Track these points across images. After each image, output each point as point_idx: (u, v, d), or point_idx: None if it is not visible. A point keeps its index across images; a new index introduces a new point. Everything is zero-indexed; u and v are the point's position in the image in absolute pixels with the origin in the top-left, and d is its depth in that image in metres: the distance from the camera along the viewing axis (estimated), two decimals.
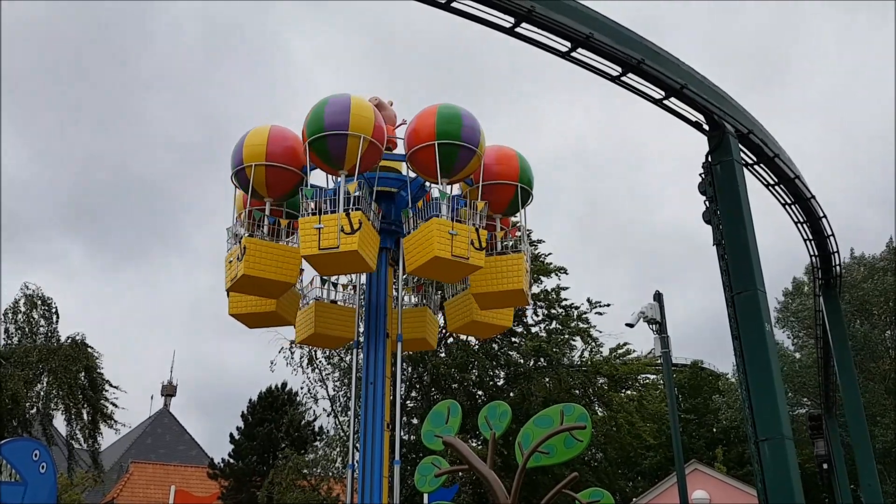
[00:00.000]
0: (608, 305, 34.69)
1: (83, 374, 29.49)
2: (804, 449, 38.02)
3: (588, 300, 34.70)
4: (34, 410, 28.83)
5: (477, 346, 33.34)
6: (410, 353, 30.32)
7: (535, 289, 33.56)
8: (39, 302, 30.12)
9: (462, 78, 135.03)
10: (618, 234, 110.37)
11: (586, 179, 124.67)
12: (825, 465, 32.46)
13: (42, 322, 30.14)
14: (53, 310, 30.43)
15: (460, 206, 15.04)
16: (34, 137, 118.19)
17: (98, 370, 30.10)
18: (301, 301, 17.52)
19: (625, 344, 36.44)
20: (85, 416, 29.56)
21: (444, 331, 32.22)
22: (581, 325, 34.30)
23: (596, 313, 34.54)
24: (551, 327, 34.50)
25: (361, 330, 17.32)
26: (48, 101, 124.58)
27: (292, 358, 33.79)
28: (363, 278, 17.44)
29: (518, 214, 16.86)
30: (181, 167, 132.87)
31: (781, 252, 51.78)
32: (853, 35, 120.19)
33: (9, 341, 29.18)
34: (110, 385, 30.34)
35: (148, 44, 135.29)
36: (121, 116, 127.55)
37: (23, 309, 29.82)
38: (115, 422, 30.46)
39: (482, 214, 15.13)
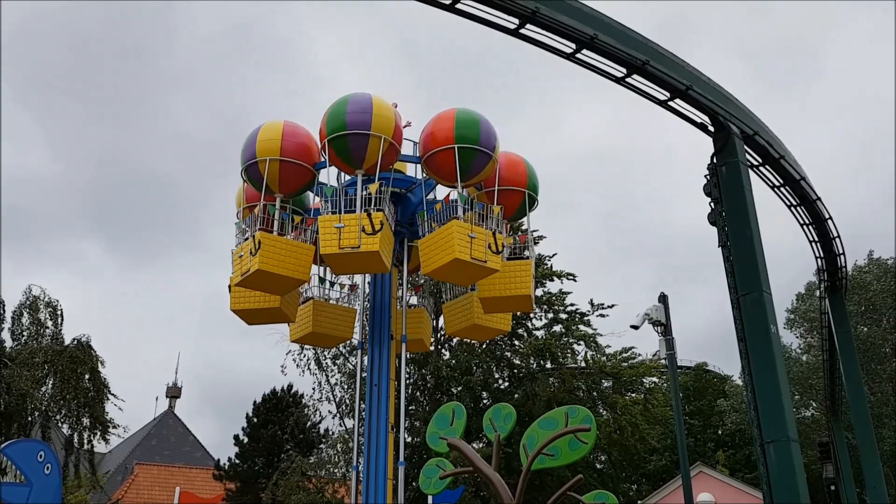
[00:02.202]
0: (612, 307, 34.45)
1: (88, 375, 29.44)
2: (810, 451, 37.87)
3: (590, 302, 34.52)
4: (37, 413, 28.77)
5: (480, 350, 33.25)
6: (414, 355, 30.34)
7: (539, 292, 33.35)
8: (43, 305, 30.10)
9: (475, 79, 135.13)
10: (623, 236, 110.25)
11: (591, 180, 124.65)
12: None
13: (49, 324, 30.14)
14: (59, 311, 30.46)
15: (478, 209, 15.14)
16: (53, 136, 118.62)
17: (100, 375, 30.01)
18: (300, 299, 17.49)
19: (630, 348, 36.33)
20: (85, 421, 29.50)
21: (442, 334, 32.25)
22: (583, 328, 34.06)
23: (598, 315, 34.33)
24: (554, 330, 34.25)
25: (356, 331, 17.45)
26: (67, 100, 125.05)
27: (301, 360, 33.78)
28: (367, 279, 17.46)
29: (525, 220, 17.13)
30: (198, 166, 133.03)
31: (798, 253, 51.30)
32: (867, 35, 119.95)
33: (17, 340, 29.15)
34: (110, 393, 30.24)
35: (167, 41, 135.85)
36: (139, 114, 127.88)
37: (28, 312, 29.81)
38: (114, 428, 30.37)
39: (499, 218, 15.26)
